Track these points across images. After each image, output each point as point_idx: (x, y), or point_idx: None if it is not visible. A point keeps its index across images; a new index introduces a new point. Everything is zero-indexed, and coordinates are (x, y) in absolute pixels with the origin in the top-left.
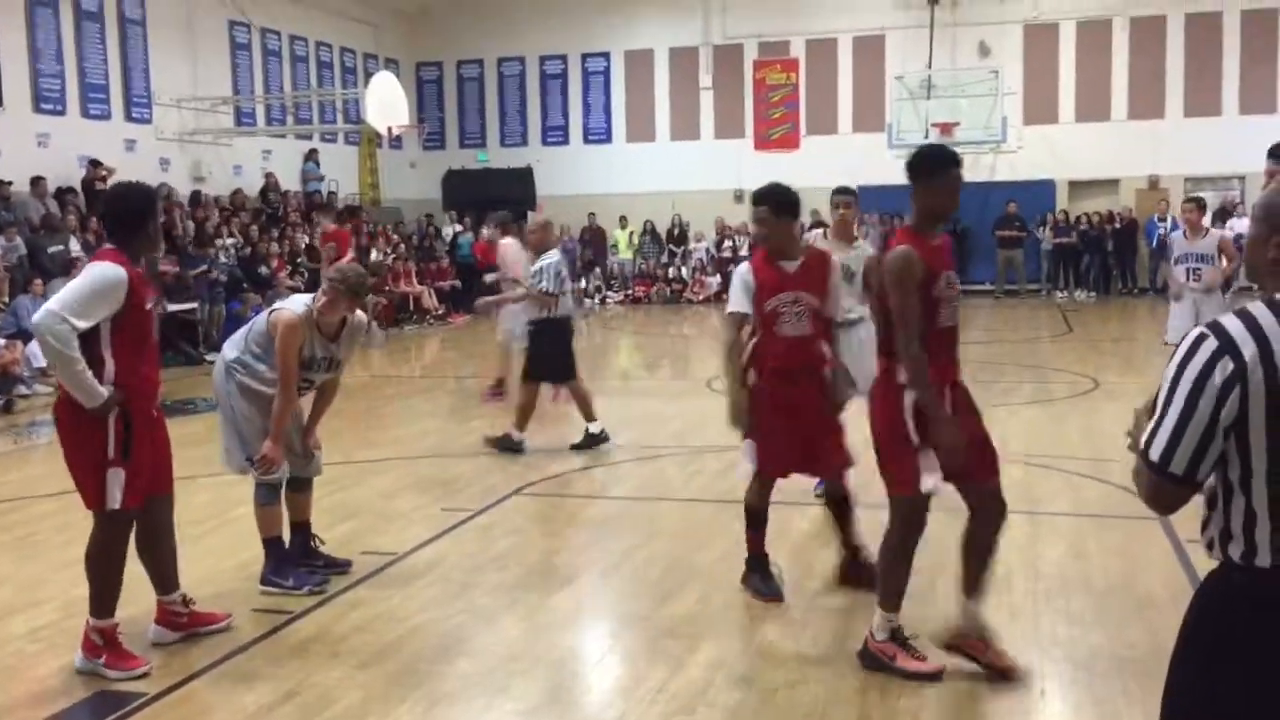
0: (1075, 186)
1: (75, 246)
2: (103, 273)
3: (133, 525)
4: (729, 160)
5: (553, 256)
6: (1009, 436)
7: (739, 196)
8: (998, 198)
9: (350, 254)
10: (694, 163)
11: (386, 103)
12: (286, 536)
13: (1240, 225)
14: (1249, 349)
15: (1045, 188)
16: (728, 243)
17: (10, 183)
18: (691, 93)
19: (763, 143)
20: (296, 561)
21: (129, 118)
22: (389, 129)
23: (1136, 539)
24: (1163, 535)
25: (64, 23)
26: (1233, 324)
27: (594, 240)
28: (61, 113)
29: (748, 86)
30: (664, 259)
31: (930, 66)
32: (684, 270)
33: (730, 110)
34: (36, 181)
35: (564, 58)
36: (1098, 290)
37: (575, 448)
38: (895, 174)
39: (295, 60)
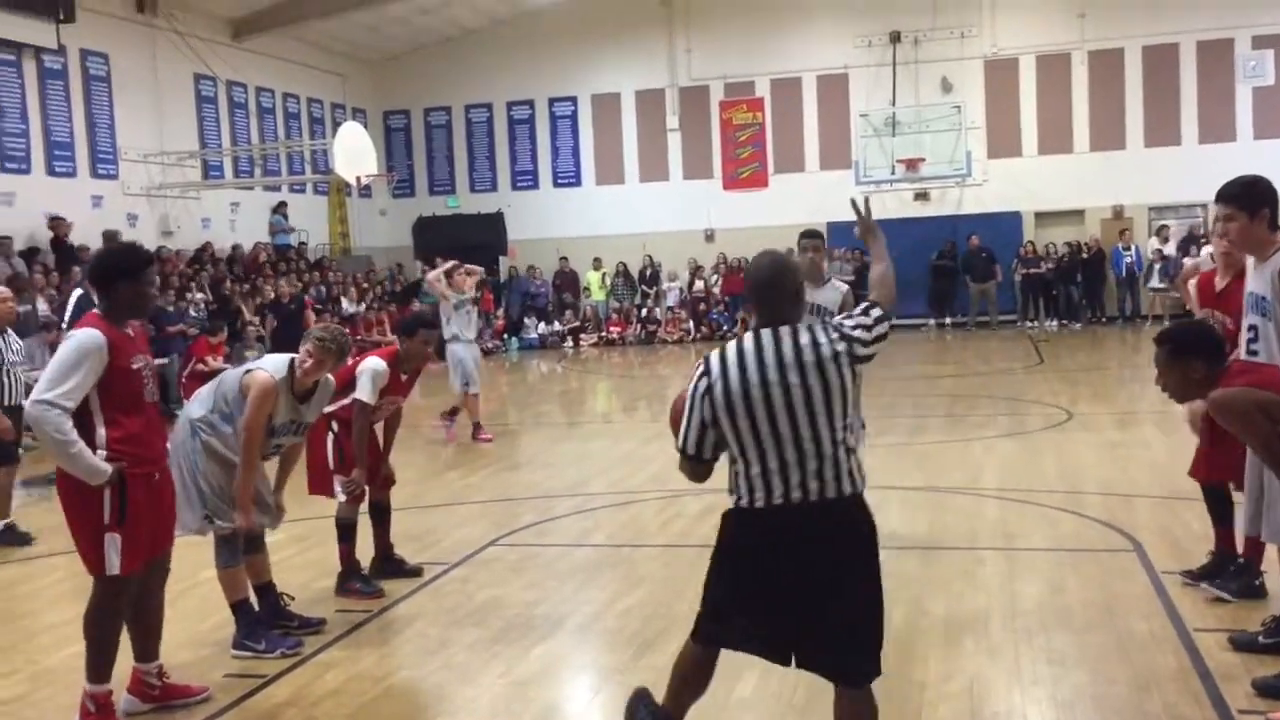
0: (1041, 218)
1: (43, 307)
2: (79, 341)
3: (130, 589)
4: (699, 200)
5: None
6: (984, 471)
7: (709, 236)
8: (965, 230)
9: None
10: (664, 204)
11: (354, 152)
12: (254, 598)
13: (1204, 252)
14: (714, 369)
15: (1012, 220)
16: (700, 283)
17: None
18: (659, 134)
19: (731, 182)
20: (269, 624)
21: (95, 174)
22: (358, 178)
23: (1115, 572)
24: (1140, 568)
25: (28, 81)
26: (713, 355)
27: (566, 283)
28: (26, 171)
29: (714, 127)
30: (637, 300)
31: (894, 103)
32: (658, 310)
33: (698, 151)
34: (2, 241)
35: (531, 103)
36: (1067, 320)
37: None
38: None
39: (262, 112)
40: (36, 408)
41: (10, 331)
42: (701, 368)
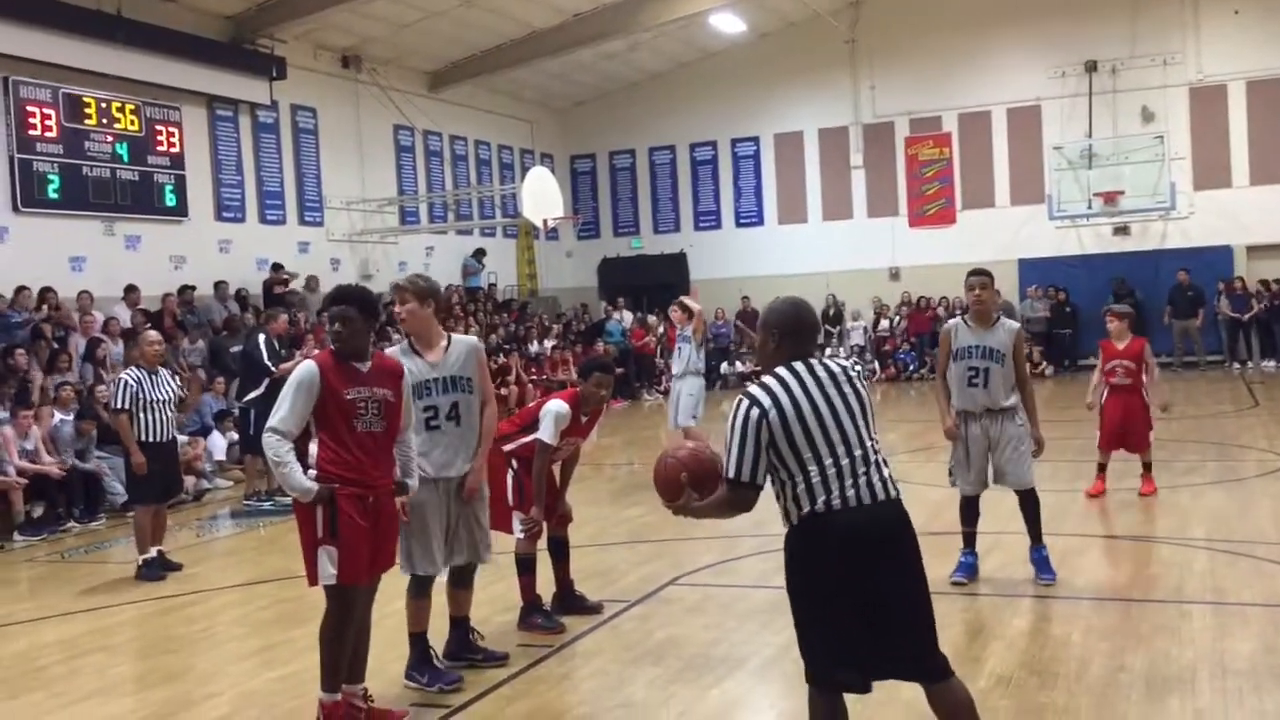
0: (1254, 251)
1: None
2: (295, 373)
3: (359, 602)
4: (883, 238)
5: (127, 372)
6: (1191, 520)
7: (894, 274)
8: (1169, 266)
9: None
10: (847, 242)
11: (542, 196)
12: (443, 628)
13: None
14: (765, 400)
15: (1221, 254)
16: (884, 322)
17: (194, 288)
18: (842, 172)
19: (917, 219)
20: (457, 655)
21: (302, 221)
22: (545, 221)
23: None
24: None
25: (243, 136)
26: (756, 389)
27: (749, 322)
28: (241, 220)
29: (899, 163)
30: (820, 339)
31: (1090, 135)
32: (841, 350)
33: (883, 188)
34: (219, 286)
35: (713, 143)
36: None
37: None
38: (1057, 246)
39: (455, 159)
40: (264, 435)
41: (162, 370)
42: (746, 403)
